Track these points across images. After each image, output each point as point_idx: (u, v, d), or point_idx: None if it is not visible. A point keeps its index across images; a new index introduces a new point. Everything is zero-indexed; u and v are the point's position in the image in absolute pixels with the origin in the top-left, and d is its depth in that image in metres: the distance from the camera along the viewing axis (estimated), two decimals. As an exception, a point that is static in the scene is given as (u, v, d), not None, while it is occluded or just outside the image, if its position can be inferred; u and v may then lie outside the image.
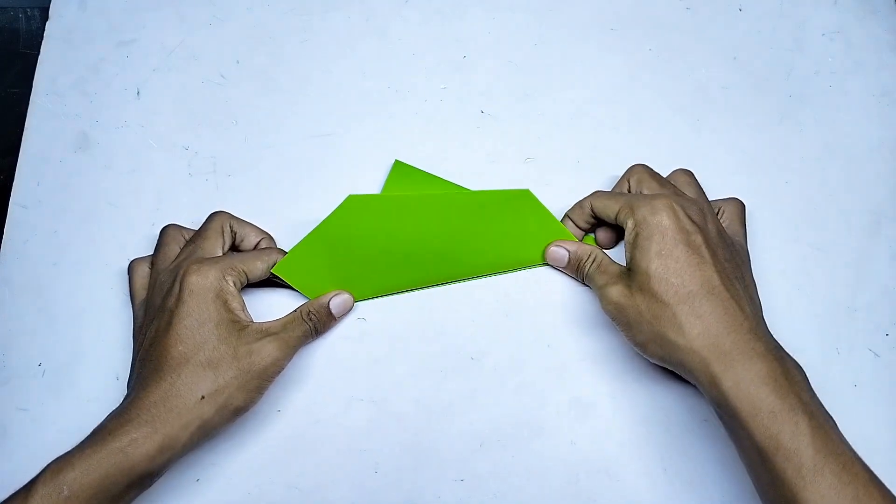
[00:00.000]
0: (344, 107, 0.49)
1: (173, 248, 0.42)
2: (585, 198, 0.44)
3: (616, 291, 0.39)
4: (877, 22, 0.52)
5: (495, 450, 0.41)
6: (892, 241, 0.46)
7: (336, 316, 0.43)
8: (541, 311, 0.44)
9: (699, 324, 0.36)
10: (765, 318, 0.39)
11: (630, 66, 0.50)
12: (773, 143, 0.49)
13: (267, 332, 0.39)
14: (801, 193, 0.47)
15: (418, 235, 0.44)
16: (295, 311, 0.42)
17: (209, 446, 0.41)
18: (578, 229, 0.45)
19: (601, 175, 0.47)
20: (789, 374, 0.35)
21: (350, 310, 0.44)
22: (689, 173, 0.44)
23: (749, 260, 0.42)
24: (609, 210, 0.42)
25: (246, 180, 0.47)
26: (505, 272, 0.45)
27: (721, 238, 0.40)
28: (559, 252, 0.44)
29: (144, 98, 0.49)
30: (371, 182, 0.47)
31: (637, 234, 0.39)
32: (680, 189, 0.42)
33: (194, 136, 0.48)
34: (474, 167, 0.47)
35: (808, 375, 0.36)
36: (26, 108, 0.49)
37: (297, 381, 0.42)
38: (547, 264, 0.45)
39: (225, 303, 0.39)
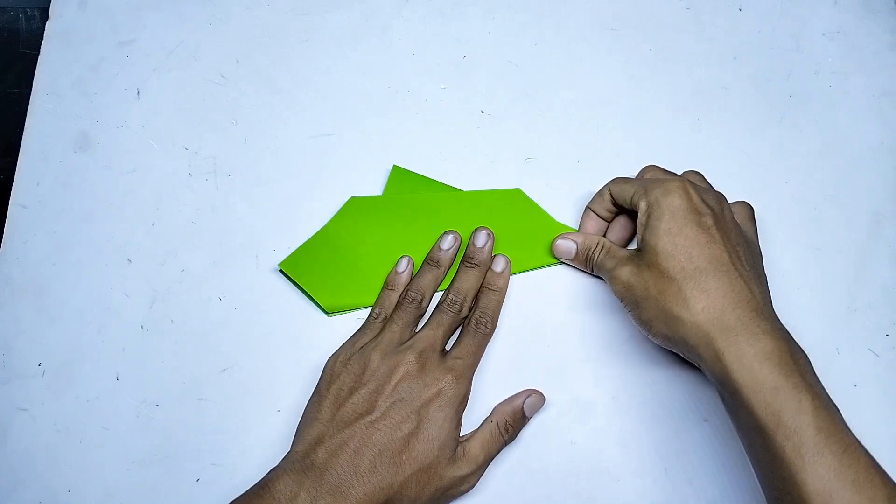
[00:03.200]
0: (344, 107, 0.49)
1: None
2: (605, 185, 0.44)
3: (626, 271, 0.40)
4: (877, 22, 0.52)
5: (495, 450, 0.41)
6: (892, 241, 0.46)
7: (529, 418, 0.41)
8: (541, 311, 0.44)
9: (704, 298, 0.36)
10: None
11: (630, 66, 0.50)
12: (773, 143, 0.49)
13: (474, 460, 0.39)
14: (801, 193, 0.47)
15: (419, 235, 0.45)
16: (489, 421, 0.40)
17: (209, 446, 0.41)
18: (601, 220, 0.45)
19: (601, 175, 0.47)
20: (795, 355, 0.35)
21: (542, 406, 0.42)
22: (700, 174, 0.44)
23: (761, 257, 0.42)
24: (625, 193, 0.42)
25: (246, 180, 0.47)
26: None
27: (735, 226, 0.40)
28: (566, 244, 0.44)
29: (144, 98, 0.49)
30: (371, 182, 0.47)
31: (649, 216, 0.39)
32: None
33: (194, 136, 0.48)
34: (474, 167, 0.47)
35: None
36: (26, 108, 0.49)
37: (297, 381, 0.42)
38: (546, 265, 0.45)
39: (460, 421, 0.39)
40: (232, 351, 0.43)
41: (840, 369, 0.43)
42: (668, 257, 0.37)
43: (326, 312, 0.44)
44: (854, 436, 0.33)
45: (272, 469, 0.37)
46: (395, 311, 0.42)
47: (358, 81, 0.50)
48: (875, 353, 0.44)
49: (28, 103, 0.49)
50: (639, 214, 0.40)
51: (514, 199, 0.46)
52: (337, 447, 0.37)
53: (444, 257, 0.44)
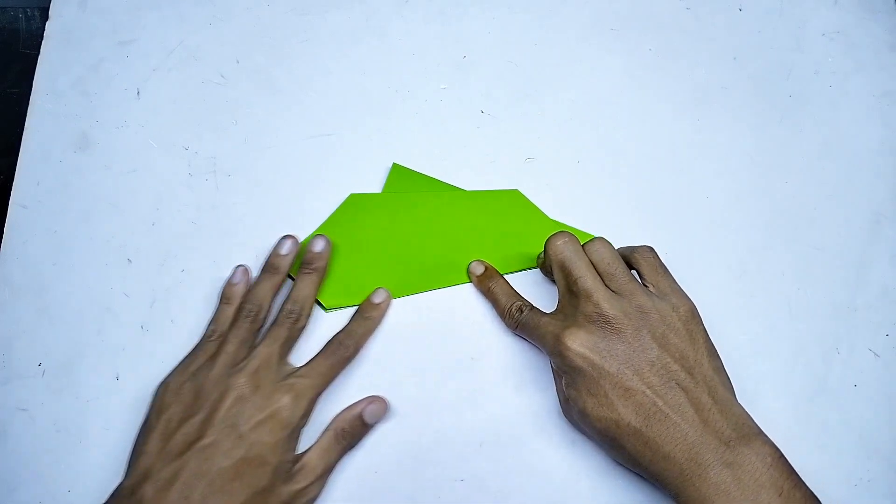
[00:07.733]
0: (344, 107, 0.49)
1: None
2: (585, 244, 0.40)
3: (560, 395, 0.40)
4: (877, 22, 0.52)
5: (495, 450, 0.41)
6: (892, 241, 0.46)
7: (370, 425, 0.40)
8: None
9: (633, 465, 0.37)
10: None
11: (630, 66, 0.50)
12: (773, 143, 0.49)
13: (313, 472, 0.38)
14: (801, 193, 0.47)
15: (417, 233, 0.45)
16: (328, 429, 0.39)
17: (209, 446, 0.41)
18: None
19: (601, 175, 0.47)
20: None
21: (385, 414, 0.41)
22: (649, 256, 0.40)
23: (691, 326, 0.37)
24: (563, 276, 0.39)
25: (246, 180, 0.47)
26: (504, 274, 0.45)
27: (652, 366, 0.36)
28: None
29: (144, 98, 0.49)
30: (371, 182, 0.47)
31: (560, 369, 0.38)
32: (634, 293, 0.38)
33: (194, 136, 0.48)
34: (474, 167, 0.47)
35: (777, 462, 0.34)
36: (26, 108, 0.49)
37: (297, 381, 0.42)
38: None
39: (296, 440, 0.38)
40: (232, 351, 0.43)
41: (840, 369, 0.43)
42: (590, 428, 0.37)
43: (325, 308, 0.44)
44: None
45: None
46: (230, 329, 0.40)
47: (358, 81, 0.50)
48: (875, 353, 0.44)
49: (28, 103, 0.49)
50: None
51: (512, 200, 0.46)
52: (166, 481, 0.35)
53: (283, 263, 0.42)
